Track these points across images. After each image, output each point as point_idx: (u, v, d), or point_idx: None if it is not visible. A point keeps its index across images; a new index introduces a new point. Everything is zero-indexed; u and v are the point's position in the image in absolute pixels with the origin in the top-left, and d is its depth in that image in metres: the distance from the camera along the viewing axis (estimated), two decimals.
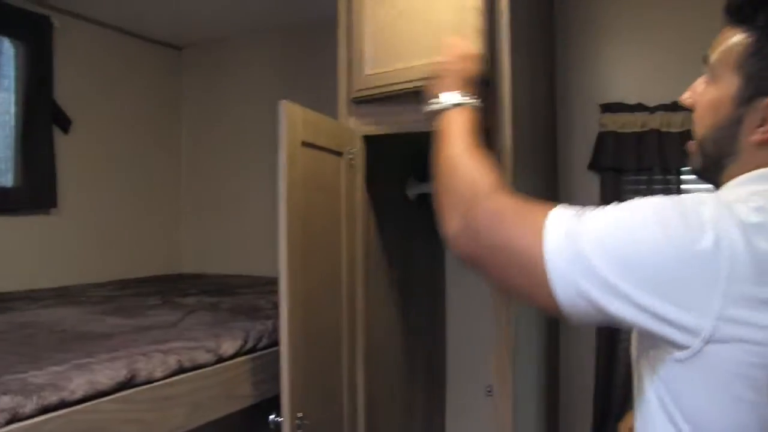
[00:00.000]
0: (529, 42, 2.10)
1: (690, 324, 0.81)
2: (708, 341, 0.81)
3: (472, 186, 1.11)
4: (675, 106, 2.29)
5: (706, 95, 1.06)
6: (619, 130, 2.39)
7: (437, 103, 1.38)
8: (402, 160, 2.28)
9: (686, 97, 1.09)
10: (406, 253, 2.23)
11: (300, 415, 1.50)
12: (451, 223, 1.07)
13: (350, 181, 1.83)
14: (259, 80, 2.98)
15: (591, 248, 0.86)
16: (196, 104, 3.29)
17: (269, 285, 2.09)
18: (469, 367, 2.47)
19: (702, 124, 1.07)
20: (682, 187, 2.35)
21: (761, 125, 0.97)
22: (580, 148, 2.46)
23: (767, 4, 1.00)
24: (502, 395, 1.76)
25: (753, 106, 0.98)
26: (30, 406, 1.09)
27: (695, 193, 0.92)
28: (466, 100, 1.38)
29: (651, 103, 2.35)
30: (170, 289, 2.46)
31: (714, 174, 1.05)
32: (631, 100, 2.38)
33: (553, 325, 2.32)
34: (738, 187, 0.98)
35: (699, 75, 1.09)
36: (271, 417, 1.53)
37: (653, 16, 2.39)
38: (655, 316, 0.83)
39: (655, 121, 2.35)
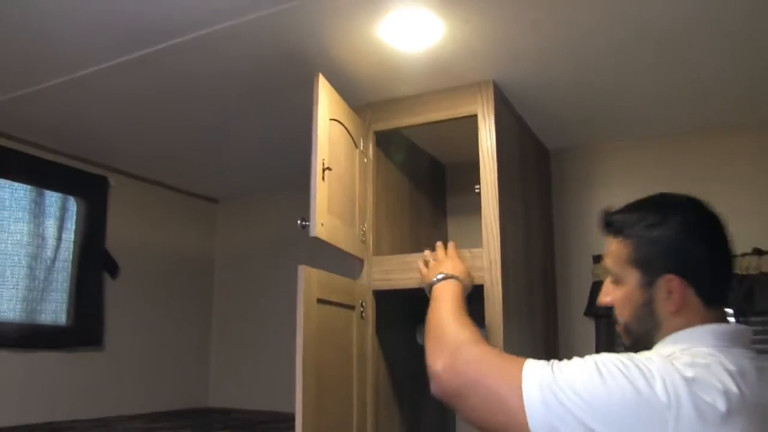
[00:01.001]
0: (524, 196, 2.44)
1: None
2: None
3: (457, 336, 1.35)
4: None
5: (618, 292, 1.30)
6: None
7: (432, 280, 1.75)
8: (412, 309, 2.58)
9: (605, 300, 1.33)
10: (416, 394, 2.48)
11: None
12: (437, 362, 1.26)
13: (361, 331, 2.13)
14: (287, 232, 3.34)
15: (566, 396, 1.05)
16: (228, 252, 3.71)
17: (289, 421, 2.35)
18: None
19: (624, 314, 1.30)
20: None
21: (668, 297, 1.21)
22: (577, 295, 2.74)
23: (623, 223, 1.28)
24: None
25: (656, 286, 1.22)
26: None
27: (640, 353, 1.14)
28: (453, 275, 1.72)
29: None
30: (199, 423, 2.73)
31: (646, 345, 1.25)
32: None
33: (551, 328, 2.55)
34: (665, 347, 1.19)
35: None
36: None
37: (641, 170, 2.75)
38: None
39: None
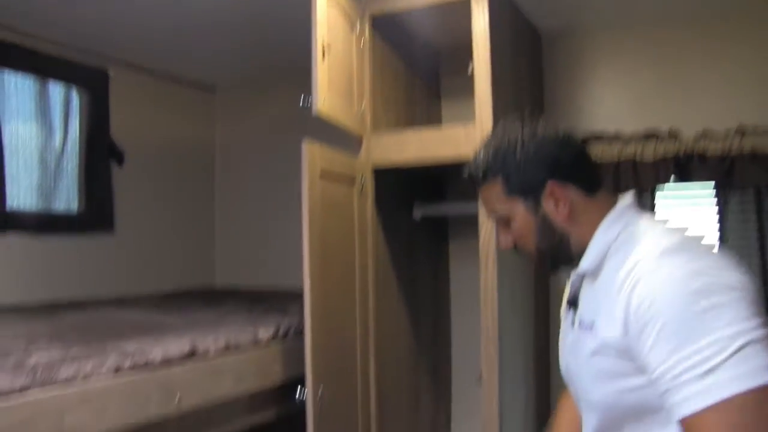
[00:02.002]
0: (516, 78, 2.58)
1: None
2: None
3: None
4: (648, 136, 2.74)
5: (514, 231, 1.35)
6: (598, 160, 2.83)
7: None
8: (409, 188, 2.76)
9: (506, 244, 1.38)
10: (412, 265, 2.72)
11: (321, 391, 1.96)
12: None
13: (362, 206, 2.32)
14: (289, 115, 3.46)
15: None
16: (229, 137, 3.87)
17: (296, 297, 2.58)
18: (472, 360, 2.93)
19: (529, 243, 1.35)
20: (656, 203, 2.85)
21: (557, 206, 1.28)
22: None
23: (482, 168, 1.32)
24: (489, 382, 2.18)
25: (542, 203, 1.29)
26: (127, 363, 1.59)
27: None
28: None
29: (627, 132, 2.79)
30: (210, 298, 2.97)
31: (566, 256, 1.33)
32: (610, 131, 2.82)
33: (541, 311, 2.76)
34: (622, 246, 1.23)
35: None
36: (298, 392, 2.01)
37: (630, 56, 2.89)
38: None
39: (630, 150, 2.80)
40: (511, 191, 1.33)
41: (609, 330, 1.18)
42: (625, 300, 1.15)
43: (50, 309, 2.46)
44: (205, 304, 2.73)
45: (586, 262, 1.29)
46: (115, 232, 3.20)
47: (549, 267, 1.43)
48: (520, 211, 1.33)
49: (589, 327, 1.25)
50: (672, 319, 1.09)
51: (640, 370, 1.15)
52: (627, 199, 1.32)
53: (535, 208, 1.32)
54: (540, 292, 2.75)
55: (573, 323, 1.35)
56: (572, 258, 1.33)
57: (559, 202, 1.29)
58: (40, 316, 2.27)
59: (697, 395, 1.06)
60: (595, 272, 1.28)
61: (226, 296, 3.06)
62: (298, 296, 2.01)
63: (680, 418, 1.08)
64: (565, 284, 1.46)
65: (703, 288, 1.09)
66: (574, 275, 1.37)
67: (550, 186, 1.28)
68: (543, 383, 2.73)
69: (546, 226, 1.32)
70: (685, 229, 1.25)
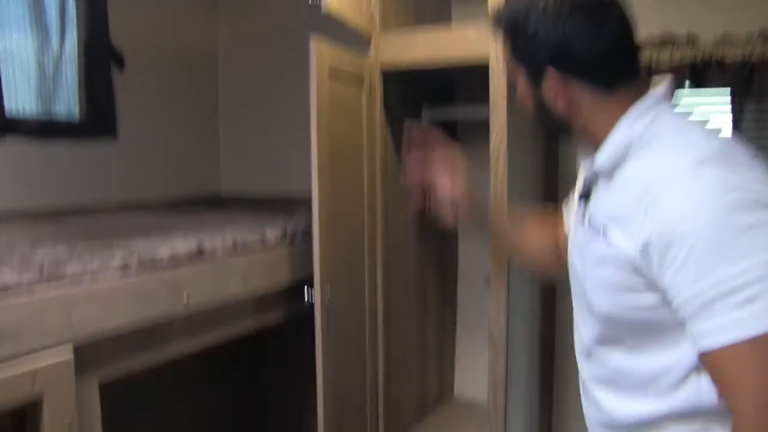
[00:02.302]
0: None
1: None
2: None
3: None
4: (664, 42, 2.66)
5: (519, 90, 1.29)
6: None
7: None
8: (418, 91, 2.70)
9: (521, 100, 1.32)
10: None
11: (329, 292, 1.96)
12: None
13: (370, 107, 2.27)
14: (294, 16, 3.34)
15: None
16: (233, 38, 3.73)
17: (303, 202, 2.56)
18: (478, 262, 2.95)
19: (530, 112, 1.29)
20: None
21: (555, 97, 1.18)
22: None
23: (501, 19, 1.25)
24: (498, 283, 2.19)
25: (541, 87, 1.19)
26: (134, 261, 1.58)
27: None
28: None
29: (642, 37, 2.71)
30: (215, 204, 2.96)
31: (568, 133, 1.26)
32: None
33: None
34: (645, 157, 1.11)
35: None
36: (306, 294, 2.01)
37: None
38: None
39: (645, 56, 2.72)
40: (514, 57, 1.25)
41: (624, 242, 1.08)
42: (647, 212, 1.04)
43: (54, 214, 2.45)
44: (210, 208, 2.72)
45: (601, 160, 1.17)
46: (118, 138, 3.15)
47: (554, 135, 1.38)
48: (522, 78, 1.26)
49: (600, 231, 1.16)
50: (704, 239, 0.97)
51: (654, 288, 1.06)
52: (661, 88, 1.17)
53: (535, 85, 1.23)
54: (549, 191, 2.72)
55: (583, 218, 1.26)
56: (576, 132, 1.25)
57: (558, 95, 1.19)
58: (43, 220, 2.26)
59: (732, 326, 0.97)
60: (611, 172, 1.16)
61: (231, 202, 3.05)
62: (305, 201, 1.99)
63: (706, 349, 1.00)
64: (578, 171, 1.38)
65: (741, 204, 0.97)
66: (587, 164, 1.25)
67: (550, 73, 1.17)
68: (549, 287, 2.74)
69: (544, 108, 1.23)
70: (724, 135, 1.11)
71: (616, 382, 1.25)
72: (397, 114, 2.47)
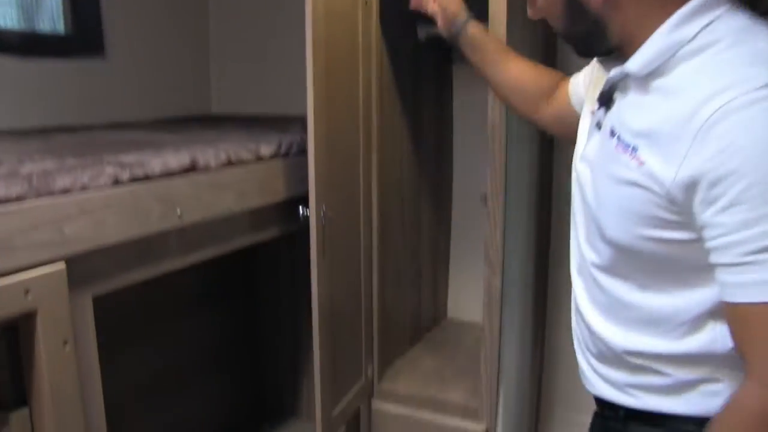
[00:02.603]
0: None
1: None
2: None
3: None
4: None
5: (540, 5, 1.15)
6: None
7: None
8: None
9: (531, 14, 1.20)
10: (416, 87, 2.64)
11: (324, 209, 1.94)
12: None
13: (366, 20, 2.20)
14: None
15: None
16: None
17: (297, 120, 2.51)
18: (473, 183, 2.93)
19: (556, 24, 1.16)
20: None
21: None
22: None
23: None
24: (494, 203, 2.17)
25: None
26: (125, 175, 1.54)
27: None
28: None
29: None
30: (207, 122, 2.91)
31: (600, 47, 1.12)
32: None
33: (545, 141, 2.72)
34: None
35: None
36: (301, 210, 1.99)
37: None
38: None
39: None
40: None
41: (661, 167, 0.95)
42: (696, 137, 0.90)
43: (42, 133, 2.39)
44: (202, 126, 2.67)
45: (636, 62, 1.02)
46: (106, 55, 3.07)
47: (584, 56, 1.19)
48: None
49: (628, 148, 1.02)
50: (762, 181, 0.85)
51: (686, 225, 0.97)
52: None
53: None
54: None
55: (600, 126, 1.14)
56: (609, 49, 1.09)
57: None
58: (31, 138, 2.21)
59: None
60: (647, 79, 1.02)
61: (223, 120, 2.99)
62: (299, 119, 1.94)
63: (735, 302, 0.93)
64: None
65: None
66: (615, 69, 1.09)
67: None
68: (545, 208, 2.73)
69: (575, 8, 1.07)
70: None
71: (617, 312, 1.17)
72: (393, 29, 2.40)
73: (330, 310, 2.05)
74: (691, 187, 0.92)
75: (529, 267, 2.64)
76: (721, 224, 0.91)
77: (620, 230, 1.06)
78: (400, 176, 2.58)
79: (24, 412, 1.38)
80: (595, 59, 1.31)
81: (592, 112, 1.19)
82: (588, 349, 1.29)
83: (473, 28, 1.75)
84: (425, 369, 2.68)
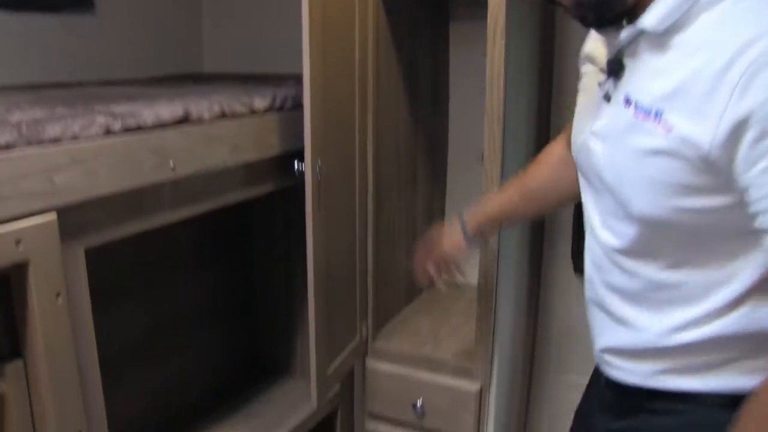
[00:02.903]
0: None
1: None
2: None
3: None
4: None
5: None
6: None
7: None
8: None
9: None
10: (413, 46, 2.60)
11: (319, 164, 1.92)
12: None
13: None
14: None
15: None
16: None
17: (291, 77, 2.46)
18: (469, 142, 2.91)
19: None
20: None
21: None
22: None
23: None
24: (492, 160, 2.15)
25: None
26: (117, 125, 1.51)
27: None
28: None
29: None
30: (199, 79, 2.87)
31: (615, 13, 1.00)
32: None
33: (546, 91, 2.69)
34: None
35: None
36: (296, 165, 1.97)
37: None
38: None
39: None
40: None
41: (693, 128, 0.88)
42: (735, 91, 0.83)
43: (31, 88, 2.35)
44: (195, 82, 2.63)
45: (653, 17, 0.95)
46: (96, 12, 3.01)
47: (590, 26, 1.09)
48: None
49: (650, 114, 0.95)
50: None
51: (725, 189, 0.90)
52: None
53: None
54: (545, 69, 2.65)
55: (608, 98, 1.07)
56: (620, 14, 1.00)
57: None
58: (18, 91, 2.17)
59: None
60: (665, 34, 0.94)
61: (216, 78, 2.95)
62: (293, 77, 1.89)
63: None
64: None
65: None
66: (625, 30, 1.02)
67: None
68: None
69: None
70: None
71: (648, 295, 1.10)
72: None
73: (325, 268, 2.04)
74: (732, 143, 0.86)
75: (525, 225, 2.63)
76: (766, 183, 0.85)
77: (651, 204, 1.00)
78: (395, 134, 2.56)
79: (18, 363, 1.37)
80: (586, 46, 1.27)
81: (599, 85, 1.13)
82: (610, 349, 1.22)
83: (482, 217, 1.77)
84: (420, 328, 2.68)
